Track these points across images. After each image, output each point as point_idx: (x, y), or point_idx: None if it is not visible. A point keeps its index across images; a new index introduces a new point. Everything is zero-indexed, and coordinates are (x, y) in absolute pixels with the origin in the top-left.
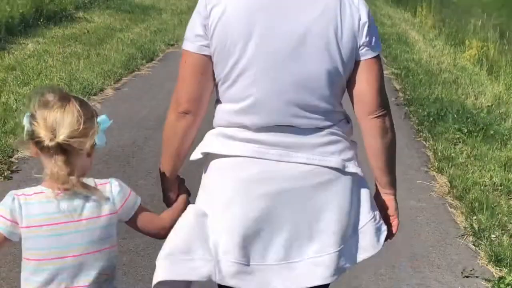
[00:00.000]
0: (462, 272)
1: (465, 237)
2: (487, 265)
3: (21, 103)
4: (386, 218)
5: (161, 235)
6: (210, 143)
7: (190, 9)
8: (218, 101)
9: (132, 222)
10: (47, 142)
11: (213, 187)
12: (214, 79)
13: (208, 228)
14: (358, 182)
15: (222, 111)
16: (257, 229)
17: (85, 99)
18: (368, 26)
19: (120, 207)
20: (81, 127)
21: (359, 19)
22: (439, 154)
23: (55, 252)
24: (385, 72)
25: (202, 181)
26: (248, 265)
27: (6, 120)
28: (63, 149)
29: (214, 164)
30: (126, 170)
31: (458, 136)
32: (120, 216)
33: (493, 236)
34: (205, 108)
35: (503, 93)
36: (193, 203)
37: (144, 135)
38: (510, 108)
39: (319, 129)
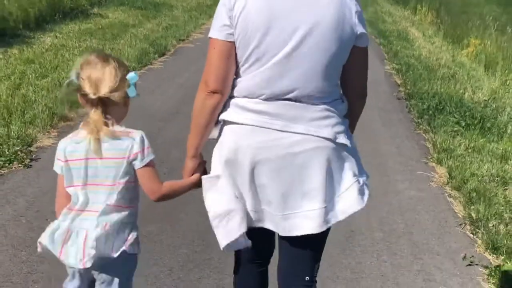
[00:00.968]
0: (461, 260)
1: (464, 225)
2: (484, 253)
3: (40, 95)
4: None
5: (156, 197)
6: (229, 113)
7: (200, 6)
8: (235, 78)
9: (139, 171)
10: (91, 96)
11: (228, 151)
12: (237, 62)
13: (230, 188)
14: (346, 151)
15: (242, 85)
16: (264, 185)
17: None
18: (359, 18)
19: (135, 154)
20: (117, 83)
21: (355, 11)
22: (438, 146)
23: (84, 177)
24: (386, 67)
25: (218, 142)
26: (262, 212)
27: (25, 111)
28: (103, 101)
29: (229, 129)
30: None
31: (456, 129)
32: (133, 161)
33: (490, 225)
34: (229, 88)
35: (499, 88)
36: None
37: (157, 127)
38: (506, 102)
39: (316, 105)
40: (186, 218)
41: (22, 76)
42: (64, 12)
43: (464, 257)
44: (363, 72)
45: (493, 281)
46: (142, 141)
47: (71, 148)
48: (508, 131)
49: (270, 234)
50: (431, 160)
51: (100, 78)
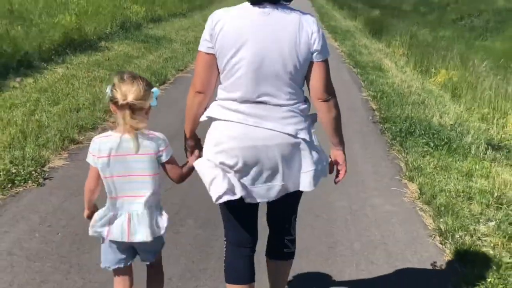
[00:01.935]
0: (431, 268)
1: (433, 237)
2: (452, 261)
3: (52, 120)
4: (337, 167)
5: (179, 180)
6: (212, 110)
7: (197, 40)
8: (220, 84)
9: (164, 165)
10: (120, 102)
11: (214, 139)
12: (218, 70)
13: (217, 165)
14: (305, 144)
15: (221, 89)
16: (245, 169)
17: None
18: (318, 39)
19: (160, 151)
20: (142, 94)
21: (312, 33)
22: (410, 165)
23: (118, 171)
24: (363, 94)
25: (208, 133)
26: (246, 186)
27: (39, 135)
28: (130, 107)
29: (214, 124)
30: None
31: (426, 149)
32: (159, 157)
33: (457, 236)
34: (212, 89)
35: (464, 113)
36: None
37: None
38: (470, 126)
39: (282, 106)
40: (185, 231)
41: (37, 103)
42: (74, 45)
43: (434, 266)
44: (321, 81)
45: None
46: (165, 141)
47: (103, 145)
48: (472, 151)
49: (254, 211)
50: (404, 177)
51: (129, 89)
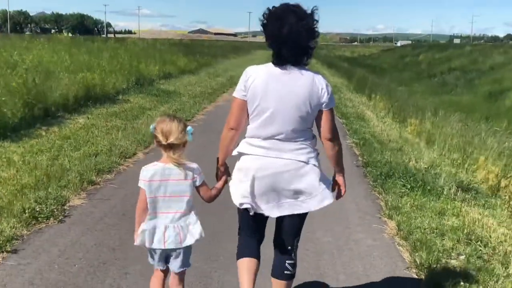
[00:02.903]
0: None
1: (410, 269)
2: None
3: (73, 164)
4: (339, 187)
5: (209, 200)
6: (241, 147)
7: (202, 93)
8: (248, 124)
9: (198, 188)
10: (163, 142)
11: (242, 169)
12: (247, 112)
13: (243, 188)
14: (314, 170)
15: (250, 129)
16: (264, 191)
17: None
18: (326, 93)
19: (195, 178)
20: (180, 134)
21: (321, 89)
22: (389, 204)
23: (163, 192)
24: (348, 141)
25: (236, 165)
26: (260, 205)
27: (61, 177)
28: (171, 145)
29: (243, 158)
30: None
31: (403, 190)
32: (194, 182)
33: (431, 268)
34: (242, 127)
35: (437, 158)
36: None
37: None
38: (442, 169)
39: (296, 141)
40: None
41: (60, 149)
42: (95, 98)
43: None
44: (328, 124)
45: None
46: (198, 169)
47: (151, 172)
48: (444, 192)
49: (263, 222)
50: (384, 215)
51: (169, 130)
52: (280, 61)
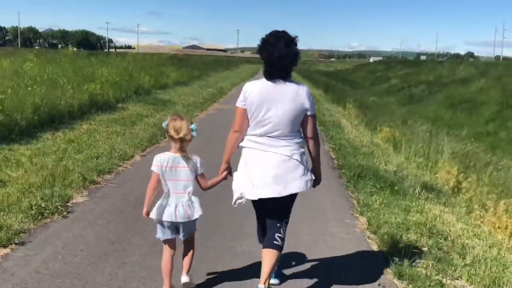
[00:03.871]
0: (377, 285)
1: (379, 259)
2: (393, 279)
3: (76, 165)
4: (317, 177)
5: (205, 189)
6: (244, 142)
7: (194, 103)
8: (248, 126)
9: (197, 177)
10: (175, 137)
11: (244, 160)
12: (248, 118)
13: (243, 176)
14: (299, 162)
15: (249, 129)
16: (259, 175)
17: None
18: (308, 101)
19: (197, 168)
20: (187, 130)
21: (304, 97)
22: (361, 202)
23: (173, 175)
24: (325, 146)
25: (241, 156)
26: (257, 189)
27: (65, 177)
28: (181, 139)
29: (244, 150)
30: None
31: (373, 190)
32: (195, 170)
33: (396, 259)
34: (244, 130)
35: (404, 162)
36: (235, 169)
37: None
38: (409, 172)
39: (284, 139)
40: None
41: (64, 152)
42: (97, 106)
43: (379, 284)
44: (310, 126)
45: None
46: (200, 161)
47: (163, 159)
48: (410, 192)
49: (261, 209)
50: (356, 212)
51: (180, 127)
52: (271, 76)
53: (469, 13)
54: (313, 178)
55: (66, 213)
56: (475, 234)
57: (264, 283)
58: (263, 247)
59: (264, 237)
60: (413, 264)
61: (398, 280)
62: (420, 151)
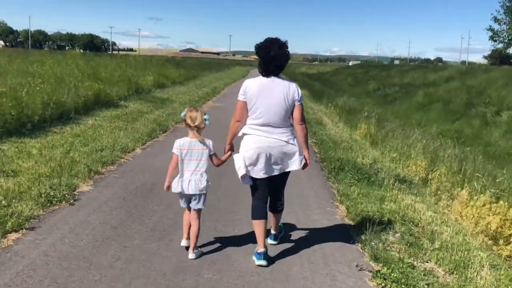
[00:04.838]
0: (354, 266)
1: (357, 244)
2: (369, 262)
3: (82, 157)
4: (305, 159)
5: (217, 165)
6: (244, 130)
7: (190, 101)
8: (248, 116)
9: (211, 156)
10: (191, 125)
11: (245, 145)
12: (247, 109)
13: (247, 160)
14: (294, 145)
15: (249, 119)
16: (259, 159)
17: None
18: (297, 92)
19: (210, 148)
20: (202, 119)
21: (294, 91)
22: (340, 192)
23: (189, 156)
24: (308, 141)
25: (242, 142)
26: (259, 170)
27: (72, 168)
28: (196, 127)
29: (245, 137)
30: (147, 198)
31: (352, 181)
32: (209, 151)
33: (373, 243)
34: (244, 119)
35: (379, 156)
36: (237, 151)
37: (159, 178)
38: (383, 165)
39: (280, 128)
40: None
41: (71, 145)
42: (102, 103)
43: (357, 265)
44: (298, 113)
45: (375, 281)
46: (212, 143)
47: (182, 143)
48: (385, 183)
49: (266, 184)
50: (336, 201)
51: (195, 116)
52: (267, 73)
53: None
54: (304, 159)
55: (72, 200)
56: (443, 222)
57: (275, 230)
58: (270, 211)
59: (259, 211)
60: (387, 248)
61: (374, 262)
62: (394, 146)
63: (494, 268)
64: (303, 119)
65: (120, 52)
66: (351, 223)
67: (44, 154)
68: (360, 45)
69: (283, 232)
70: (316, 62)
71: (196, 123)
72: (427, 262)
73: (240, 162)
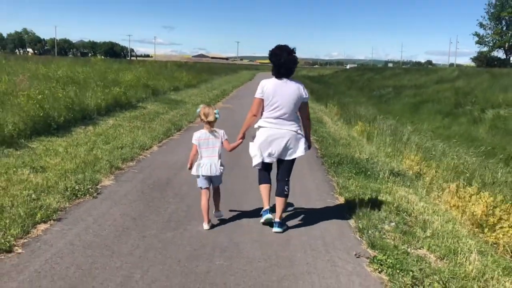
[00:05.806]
0: (353, 254)
1: (355, 232)
2: (367, 249)
3: (104, 155)
4: (309, 143)
5: (229, 150)
6: (260, 122)
7: (202, 102)
8: (263, 111)
9: (224, 142)
10: (204, 120)
11: (260, 135)
12: (263, 105)
13: (259, 146)
14: (300, 136)
15: (265, 114)
16: (271, 147)
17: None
18: (305, 93)
19: (222, 136)
20: (214, 114)
21: (303, 91)
22: (340, 185)
23: (205, 145)
24: (311, 138)
25: (257, 133)
26: (270, 156)
27: (95, 164)
28: (209, 121)
29: (260, 129)
30: (163, 192)
31: (350, 175)
32: (222, 139)
33: (370, 232)
34: (260, 114)
35: (375, 151)
36: (252, 141)
37: (174, 173)
38: (379, 159)
39: (290, 121)
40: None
41: (94, 143)
42: (121, 105)
43: (355, 253)
44: (305, 110)
45: (372, 266)
46: (224, 132)
47: (200, 134)
48: (380, 176)
49: (270, 166)
50: (336, 193)
51: (208, 112)
52: (279, 76)
53: (429, 27)
54: (307, 145)
55: (96, 194)
56: (434, 211)
57: (279, 218)
58: (276, 195)
59: (264, 177)
60: (383, 236)
61: (371, 250)
62: (389, 142)
63: (481, 254)
64: (308, 114)
65: (138, 58)
66: (350, 213)
67: (69, 151)
68: (356, 50)
69: (287, 226)
70: (316, 66)
71: (209, 118)
72: (419, 249)
73: (256, 151)
